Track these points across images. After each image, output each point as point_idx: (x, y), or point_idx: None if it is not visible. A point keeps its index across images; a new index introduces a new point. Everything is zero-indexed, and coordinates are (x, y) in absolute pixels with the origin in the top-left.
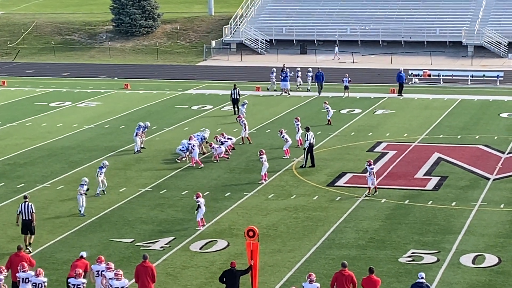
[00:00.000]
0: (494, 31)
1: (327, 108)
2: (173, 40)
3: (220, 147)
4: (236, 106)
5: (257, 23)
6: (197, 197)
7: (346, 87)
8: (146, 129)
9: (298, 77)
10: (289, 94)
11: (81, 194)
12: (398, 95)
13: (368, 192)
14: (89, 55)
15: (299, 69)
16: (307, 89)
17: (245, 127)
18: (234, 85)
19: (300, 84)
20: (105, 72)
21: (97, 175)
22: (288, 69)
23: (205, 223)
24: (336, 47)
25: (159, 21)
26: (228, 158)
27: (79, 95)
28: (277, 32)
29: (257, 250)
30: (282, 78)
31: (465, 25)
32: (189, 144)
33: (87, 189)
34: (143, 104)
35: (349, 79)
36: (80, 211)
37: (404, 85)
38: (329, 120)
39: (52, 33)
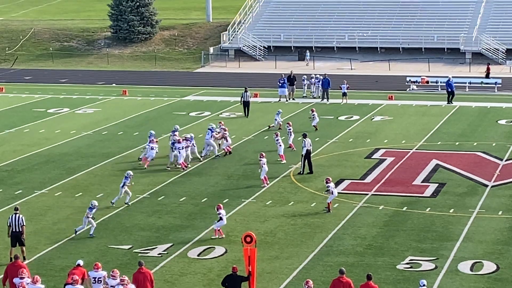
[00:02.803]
0: (492, 38)
1: (314, 115)
2: (171, 46)
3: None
4: (247, 109)
5: (255, 30)
6: (217, 209)
7: (344, 94)
8: (177, 132)
9: (306, 84)
10: (287, 100)
11: (87, 217)
12: (447, 103)
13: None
14: (87, 61)
15: (313, 75)
16: (312, 96)
17: (290, 134)
18: (245, 88)
19: (311, 91)
20: (103, 79)
21: (122, 186)
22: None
23: (223, 235)
24: (307, 53)
25: (157, 28)
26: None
27: (77, 101)
28: (275, 39)
29: (254, 256)
30: (279, 85)
31: (463, 32)
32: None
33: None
34: (141, 110)
35: (347, 85)
36: (91, 234)
37: (454, 92)
38: (315, 126)
39: (50, 39)
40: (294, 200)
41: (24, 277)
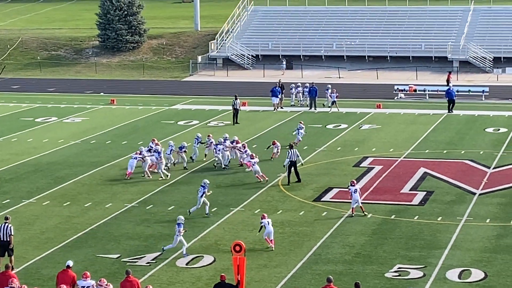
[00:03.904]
0: (479, 46)
1: (301, 127)
2: (159, 55)
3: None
4: (236, 117)
5: (243, 39)
6: (262, 218)
7: (333, 102)
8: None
9: (299, 92)
10: (276, 109)
11: (178, 235)
12: (448, 112)
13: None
14: (75, 70)
15: (300, 84)
16: (300, 104)
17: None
18: (236, 96)
19: (299, 100)
20: (91, 88)
21: (200, 196)
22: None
23: (272, 245)
24: (284, 62)
25: (145, 37)
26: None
27: (65, 110)
28: (263, 48)
29: (243, 265)
30: (272, 93)
31: (451, 40)
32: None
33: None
34: (129, 119)
35: (337, 94)
36: (184, 253)
37: (455, 101)
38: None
39: (38, 48)
40: (283, 208)
41: (14, 287)
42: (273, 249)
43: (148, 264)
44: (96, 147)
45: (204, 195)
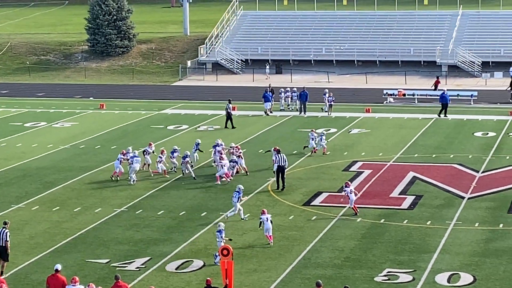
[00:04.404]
0: (467, 51)
1: (313, 137)
2: (148, 60)
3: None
4: (229, 121)
5: (232, 43)
6: (261, 214)
7: (330, 106)
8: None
9: (288, 97)
10: (267, 114)
11: (220, 241)
12: (444, 117)
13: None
14: (64, 75)
15: (288, 89)
16: (289, 108)
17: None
18: (229, 100)
19: (288, 105)
20: (81, 92)
21: (236, 201)
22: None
23: (271, 241)
24: (267, 66)
25: (135, 41)
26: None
27: (54, 115)
28: (252, 52)
29: (231, 268)
30: (265, 99)
31: (439, 45)
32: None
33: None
34: (118, 124)
35: (333, 98)
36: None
37: (448, 105)
38: (312, 150)
39: (27, 53)
40: (272, 213)
41: None
42: (271, 245)
43: (137, 269)
44: (86, 152)
45: (239, 200)
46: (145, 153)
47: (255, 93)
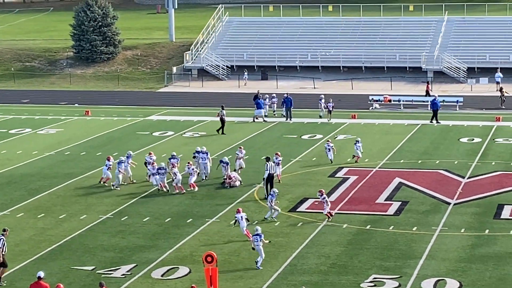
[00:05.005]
0: (453, 57)
1: (331, 147)
2: (134, 66)
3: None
4: (223, 126)
5: (218, 49)
6: (236, 212)
7: (330, 111)
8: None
9: (273, 103)
10: (255, 119)
11: (258, 245)
12: (436, 123)
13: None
14: (49, 81)
15: (274, 95)
16: (274, 114)
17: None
18: (222, 106)
19: (274, 111)
20: (66, 99)
21: (270, 205)
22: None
23: (250, 237)
24: (246, 72)
25: (120, 48)
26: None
27: (39, 122)
28: (238, 58)
29: (216, 275)
30: (257, 106)
31: (425, 51)
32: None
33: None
34: (104, 130)
35: (333, 104)
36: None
37: (438, 112)
38: (331, 160)
39: (12, 59)
40: (258, 219)
41: None
42: (250, 239)
43: (123, 276)
44: (71, 158)
45: (272, 202)
46: (146, 164)
47: (240, 99)
